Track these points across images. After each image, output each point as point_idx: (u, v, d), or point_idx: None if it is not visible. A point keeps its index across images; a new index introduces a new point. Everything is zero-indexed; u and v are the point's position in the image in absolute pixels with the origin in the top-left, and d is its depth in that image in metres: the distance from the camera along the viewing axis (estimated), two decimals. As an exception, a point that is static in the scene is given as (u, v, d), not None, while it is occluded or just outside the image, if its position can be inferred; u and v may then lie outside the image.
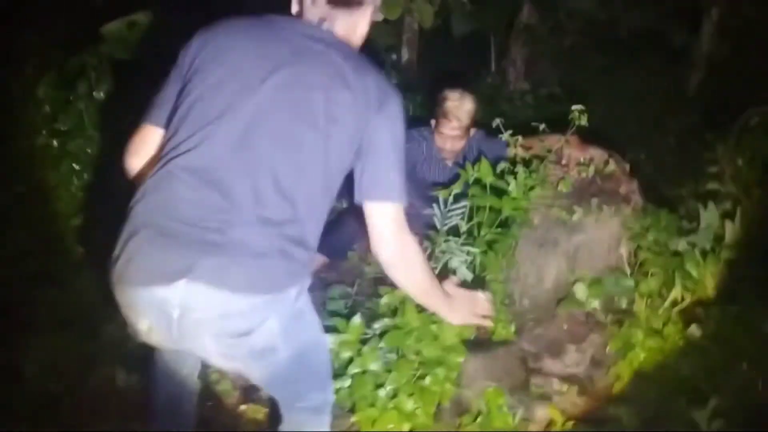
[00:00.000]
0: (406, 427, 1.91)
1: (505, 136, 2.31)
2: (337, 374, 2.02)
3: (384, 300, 2.18)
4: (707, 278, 2.14)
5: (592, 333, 2.16)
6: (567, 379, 2.08)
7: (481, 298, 1.82)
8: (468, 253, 2.22)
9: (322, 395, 1.62)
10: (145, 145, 1.48)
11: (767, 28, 5.19)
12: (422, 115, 4.47)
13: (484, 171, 2.26)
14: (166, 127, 1.44)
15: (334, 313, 2.20)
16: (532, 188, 2.23)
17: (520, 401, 2.01)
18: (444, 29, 5.06)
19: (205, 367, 1.83)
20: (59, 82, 3.07)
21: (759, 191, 3.03)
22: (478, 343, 2.14)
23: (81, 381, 2.15)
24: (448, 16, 4.95)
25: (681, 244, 2.22)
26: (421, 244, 1.98)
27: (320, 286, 2.80)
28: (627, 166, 2.43)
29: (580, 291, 2.14)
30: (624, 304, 2.20)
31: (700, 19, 5.26)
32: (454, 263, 2.10)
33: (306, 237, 1.36)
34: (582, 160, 2.35)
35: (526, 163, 2.29)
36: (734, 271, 2.28)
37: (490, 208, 2.25)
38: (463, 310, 1.72)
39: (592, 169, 2.29)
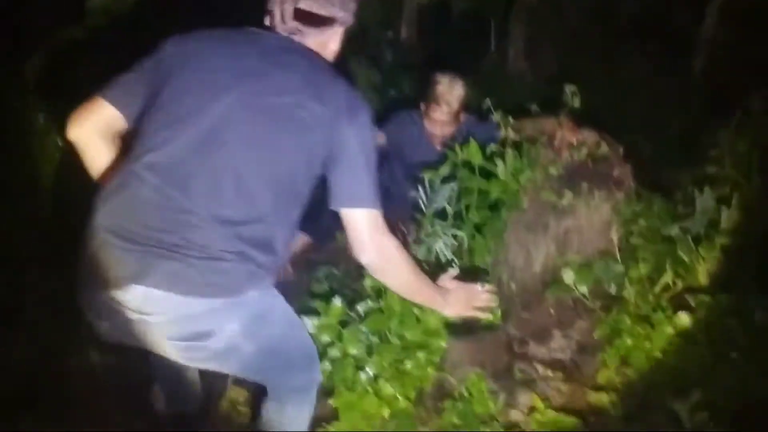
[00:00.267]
0: (386, 411, 1.88)
1: (496, 116, 2.24)
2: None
3: (367, 282, 2.14)
4: (699, 265, 2.09)
5: (579, 319, 2.12)
6: (552, 364, 2.04)
7: (480, 290, 1.83)
8: (455, 237, 2.18)
9: (304, 376, 1.63)
10: (90, 116, 1.45)
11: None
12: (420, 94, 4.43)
13: (472, 153, 2.20)
14: (123, 113, 1.44)
15: (316, 296, 2.16)
16: (521, 171, 2.17)
17: (503, 386, 1.98)
18: (444, 7, 4.97)
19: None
20: (45, 56, 3.01)
21: (759, 177, 2.95)
22: (464, 327, 2.09)
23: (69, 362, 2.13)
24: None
25: (673, 230, 2.16)
26: (400, 230, 1.95)
27: (306, 267, 2.77)
28: (621, 150, 2.37)
29: (569, 276, 2.09)
30: (613, 290, 2.15)
31: (704, 2, 5.14)
32: (439, 246, 2.05)
33: (271, 240, 1.37)
34: (574, 142, 2.28)
35: (517, 145, 2.23)
36: (728, 258, 2.22)
37: (479, 191, 2.20)
38: (458, 303, 1.76)
39: (583, 152, 2.22)
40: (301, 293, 2.45)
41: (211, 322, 1.34)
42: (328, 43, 1.50)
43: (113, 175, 1.39)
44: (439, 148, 2.85)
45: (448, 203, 2.21)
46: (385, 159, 2.93)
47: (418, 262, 2.11)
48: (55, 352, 2.11)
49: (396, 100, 4.29)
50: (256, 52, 1.40)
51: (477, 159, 2.19)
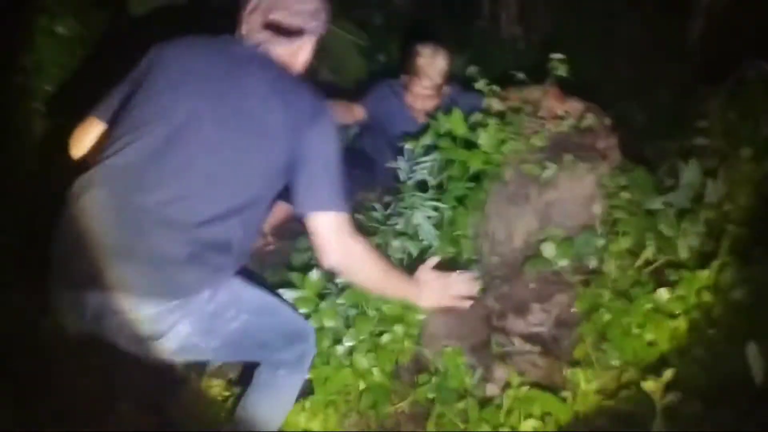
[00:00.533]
0: (361, 385, 1.88)
1: (480, 85, 2.18)
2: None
3: (346, 254, 2.11)
4: (681, 240, 2.06)
5: (559, 293, 2.10)
6: (530, 338, 2.03)
7: (459, 279, 1.83)
8: (436, 209, 2.15)
9: (288, 352, 1.65)
10: (85, 137, 1.55)
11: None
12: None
13: (455, 122, 2.15)
14: (109, 125, 1.51)
15: (294, 268, 2.14)
16: (504, 142, 2.13)
17: (480, 360, 1.97)
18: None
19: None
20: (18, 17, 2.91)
21: (748, 149, 2.91)
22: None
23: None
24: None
25: (656, 204, 2.13)
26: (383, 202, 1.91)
27: (288, 236, 2.73)
28: (608, 121, 2.32)
29: (548, 249, 2.07)
30: (594, 264, 2.13)
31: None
32: (418, 219, 2.02)
33: (229, 241, 1.40)
34: (560, 113, 2.23)
35: (501, 115, 2.18)
36: (712, 232, 2.20)
37: (461, 162, 2.16)
38: (434, 294, 1.78)
39: (568, 122, 2.17)
40: (281, 263, 2.44)
41: (161, 324, 1.36)
42: (298, 52, 1.53)
43: (82, 176, 1.41)
44: (420, 121, 2.77)
45: (430, 174, 2.17)
46: (367, 131, 2.88)
47: (398, 236, 2.10)
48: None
49: (384, 64, 4.21)
50: (223, 60, 1.43)
51: (460, 129, 2.15)
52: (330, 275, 2.23)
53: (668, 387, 1.49)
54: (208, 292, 1.39)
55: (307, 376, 1.76)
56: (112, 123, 1.48)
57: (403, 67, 2.78)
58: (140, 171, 1.35)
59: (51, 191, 1.49)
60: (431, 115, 2.27)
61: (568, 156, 2.09)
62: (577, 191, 2.14)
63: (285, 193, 2.72)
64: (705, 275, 1.90)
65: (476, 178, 2.19)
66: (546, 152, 2.17)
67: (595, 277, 2.06)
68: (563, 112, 2.23)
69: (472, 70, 2.23)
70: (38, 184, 2.62)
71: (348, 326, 1.94)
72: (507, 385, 1.84)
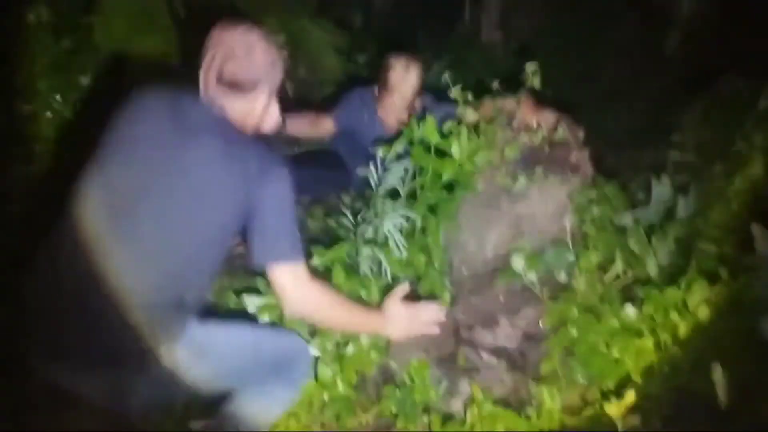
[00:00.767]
0: (326, 396, 1.84)
1: (455, 92, 2.15)
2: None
3: (314, 261, 2.07)
4: (650, 257, 2.06)
5: (527, 306, 2.09)
6: (497, 352, 2.01)
7: (428, 307, 1.81)
8: (408, 218, 2.11)
9: (275, 380, 1.64)
10: None
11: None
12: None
13: (428, 130, 2.12)
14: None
15: (258, 273, 2.08)
16: (476, 152, 2.10)
17: (446, 373, 1.95)
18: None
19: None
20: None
21: (721, 165, 2.92)
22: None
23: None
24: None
25: (626, 219, 2.12)
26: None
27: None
28: (581, 133, 2.31)
29: (518, 262, 2.05)
30: (563, 279, 2.12)
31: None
32: (387, 227, 1.99)
33: (181, 299, 1.45)
34: (533, 124, 2.21)
35: (474, 124, 2.16)
36: (681, 249, 2.20)
37: (433, 170, 2.13)
38: (402, 324, 1.75)
39: (540, 135, 2.16)
40: (249, 268, 2.38)
41: (123, 383, 1.44)
42: (255, 105, 1.53)
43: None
44: (391, 134, 2.69)
45: (401, 182, 2.14)
46: (341, 137, 2.82)
47: (367, 243, 2.06)
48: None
49: (364, 65, 4.17)
50: (176, 122, 1.44)
51: (433, 137, 2.12)
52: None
53: (631, 408, 1.48)
54: (165, 348, 1.43)
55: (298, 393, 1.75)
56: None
57: (376, 78, 2.71)
58: (99, 235, 1.39)
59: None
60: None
61: (539, 168, 2.07)
62: (549, 204, 2.12)
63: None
64: (673, 294, 1.90)
65: (448, 187, 2.17)
66: (518, 164, 2.15)
67: (564, 292, 2.05)
68: (537, 123, 2.22)
69: (446, 77, 2.19)
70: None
71: (312, 335, 1.90)
72: (471, 400, 1.81)
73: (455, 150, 2.08)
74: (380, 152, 2.15)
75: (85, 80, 2.95)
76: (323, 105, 3.62)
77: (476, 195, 2.15)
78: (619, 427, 1.44)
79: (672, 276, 2.06)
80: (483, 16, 4.96)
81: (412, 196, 2.18)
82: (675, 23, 5.09)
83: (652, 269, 2.07)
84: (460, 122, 2.13)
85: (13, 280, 1.51)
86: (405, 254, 2.07)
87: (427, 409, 1.81)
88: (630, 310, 1.91)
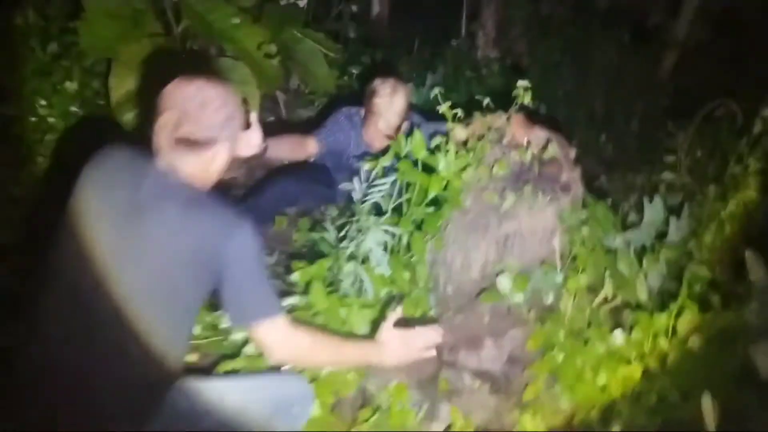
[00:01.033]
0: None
1: (444, 108, 2.09)
2: (230, 355, 1.87)
3: (294, 277, 2.01)
4: (639, 280, 2.00)
5: (513, 328, 2.03)
6: (480, 374, 1.95)
7: (423, 331, 1.74)
8: (393, 235, 2.06)
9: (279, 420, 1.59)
10: None
11: (747, 18, 5.05)
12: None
13: (416, 145, 2.07)
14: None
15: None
16: (464, 168, 2.05)
17: (426, 396, 1.88)
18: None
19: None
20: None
21: (715, 188, 2.88)
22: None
23: None
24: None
25: (616, 241, 2.07)
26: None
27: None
28: (573, 152, 2.26)
29: (504, 283, 1.99)
30: (550, 300, 2.06)
31: (680, 0, 5.07)
32: (369, 244, 1.93)
33: (162, 366, 1.41)
34: (523, 142, 2.16)
35: (463, 141, 2.11)
36: (672, 272, 2.14)
37: (420, 186, 2.08)
38: (397, 351, 1.69)
39: (530, 153, 2.11)
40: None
41: None
42: (212, 162, 1.47)
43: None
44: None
45: (388, 197, 2.08)
46: (328, 157, 2.75)
47: (349, 260, 2.00)
48: None
49: (357, 77, 4.14)
50: (133, 190, 1.40)
51: (420, 152, 2.07)
52: (280, 296, 2.13)
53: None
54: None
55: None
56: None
57: (362, 101, 2.65)
58: (78, 299, 1.37)
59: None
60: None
61: (528, 187, 2.02)
62: (537, 224, 2.07)
63: (242, 207, 2.65)
64: (662, 320, 1.84)
65: (435, 203, 2.11)
66: (508, 181, 2.10)
67: (551, 314, 1.99)
68: (527, 140, 2.17)
69: (436, 91, 2.14)
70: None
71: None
72: (451, 426, 1.75)
73: (442, 166, 2.03)
74: (366, 166, 2.10)
75: (71, 86, 2.91)
76: (313, 119, 3.61)
77: (464, 212, 2.10)
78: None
79: (662, 301, 2.01)
80: (480, 32, 4.94)
81: (398, 211, 2.12)
82: (670, 46, 5.10)
83: (641, 293, 2.01)
84: (448, 138, 2.07)
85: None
86: (388, 271, 2.01)
87: (403, 436, 1.75)
88: (618, 336, 1.85)
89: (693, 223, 2.43)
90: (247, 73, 2.80)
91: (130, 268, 1.36)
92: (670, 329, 1.84)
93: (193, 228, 1.37)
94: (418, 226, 2.13)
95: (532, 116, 2.29)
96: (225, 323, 1.95)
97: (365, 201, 2.01)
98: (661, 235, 2.29)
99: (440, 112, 2.08)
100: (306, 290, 2.00)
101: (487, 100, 2.15)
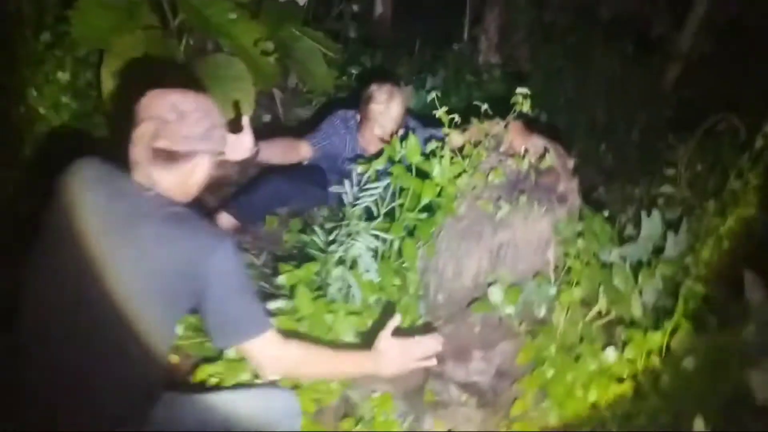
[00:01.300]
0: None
1: (440, 113, 2.04)
2: (212, 358, 1.81)
3: (280, 280, 1.96)
4: (635, 296, 1.96)
5: (503, 340, 1.98)
6: (467, 387, 1.90)
7: (423, 341, 1.65)
8: (385, 240, 2.01)
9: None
10: None
11: (752, 31, 5.00)
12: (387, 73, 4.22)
13: (410, 149, 2.02)
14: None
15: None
16: (459, 175, 2.00)
17: (412, 407, 1.84)
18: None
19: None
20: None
21: (714, 202, 2.83)
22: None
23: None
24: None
25: (612, 256, 2.02)
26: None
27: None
28: (571, 162, 2.21)
29: (495, 294, 1.94)
30: (543, 313, 2.01)
31: (686, 11, 5.02)
32: (358, 250, 1.88)
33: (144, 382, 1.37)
34: (521, 150, 2.11)
35: (459, 147, 2.06)
36: (668, 289, 2.09)
37: (414, 191, 2.03)
38: (395, 361, 1.60)
39: (526, 161, 2.06)
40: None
41: None
42: (191, 175, 1.42)
43: None
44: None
45: (380, 201, 2.03)
46: (322, 159, 2.70)
47: (338, 264, 1.95)
48: None
49: (357, 77, 4.09)
50: (110, 207, 1.34)
51: (414, 157, 2.02)
52: (263, 299, 2.08)
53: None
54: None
55: None
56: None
57: (358, 106, 2.59)
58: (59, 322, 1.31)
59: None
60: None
61: (523, 197, 1.97)
62: (532, 234, 2.02)
63: (232, 205, 2.60)
64: (656, 338, 1.80)
65: (429, 209, 2.06)
66: (503, 190, 2.05)
67: (543, 328, 1.94)
68: (525, 149, 2.12)
69: (433, 95, 2.09)
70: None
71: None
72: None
73: (437, 171, 1.98)
74: (359, 168, 2.05)
75: (63, 76, 2.85)
76: (310, 119, 3.56)
77: (457, 219, 2.05)
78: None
79: (657, 318, 1.97)
80: (482, 36, 4.89)
81: (391, 216, 2.07)
82: (674, 57, 5.06)
83: (636, 309, 1.96)
84: (443, 144, 2.02)
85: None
86: (377, 278, 1.96)
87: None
88: (610, 353, 1.81)
89: (691, 238, 2.38)
90: (243, 69, 2.74)
91: (105, 289, 1.29)
92: (664, 348, 1.79)
93: (170, 246, 1.31)
94: (410, 232, 2.08)
95: (531, 124, 2.24)
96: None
97: (356, 205, 1.96)
98: (658, 250, 2.25)
99: (437, 116, 2.03)
100: (292, 294, 1.95)
101: (485, 106, 2.09)
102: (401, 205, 2.06)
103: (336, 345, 1.81)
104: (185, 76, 2.51)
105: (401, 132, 2.23)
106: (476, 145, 2.08)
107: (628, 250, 2.07)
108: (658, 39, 5.11)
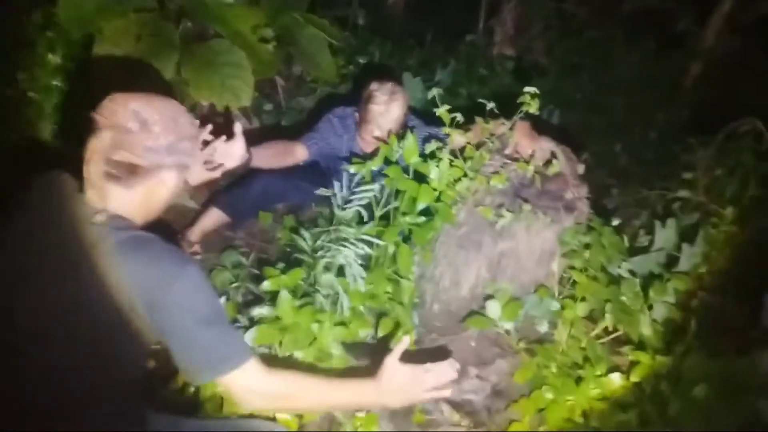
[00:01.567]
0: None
1: (441, 111, 1.90)
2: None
3: (264, 285, 1.84)
4: (644, 314, 1.82)
5: (500, 357, 1.85)
6: (460, 407, 1.78)
7: (437, 368, 1.44)
8: (376, 245, 1.88)
9: None
10: None
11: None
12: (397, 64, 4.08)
13: (408, 149, 1.89)
14: None
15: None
16: (458, 179, 1.87)
17: (399, 428, 1.72)
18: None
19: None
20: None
21: (733, 209, 2.67)
22: (368, 349, 1.82)
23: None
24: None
25: (621, 270, 1.88)
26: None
27: (217, 246, 2.46)
28: (581, 168, 2.06)
29: (493, 308, 1.82)
30: (544, 329, 1.88)
31: (709, 8, 4.82)
32: (346, 257, 1.75)
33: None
34: (529, 153, 1.97)
35: (460, 148, 1.92)
36: (681, 307, 1.95)
37: (410, 195, 1.89)
38: (403, 392, 1.41)
39: (532, 166, 1.92)
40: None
41: None
42: (154, 192, 1.27)
43: None
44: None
45: (375, 204, 1.91)
46: (320, 159, 2.57)
47: (326, 270, 1.83)
48: None
49: (364, 66, 3.95)
50: (63, 230, 1.20)
51: (411, 157, 1.89)
52: (247, 304, 1.98)
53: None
54: None
55: None
56: None
57: (357, 106, 2.45)
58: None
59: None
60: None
61: (528, 204, 1.83)
62: (535, 244, 1.88)
63: (223, 201, 2.49)
64: (666, 362, 1.66)
65: (426, 214, 1.93)
66: (506, 196, 1.91)
67: (544, 345, 1.81)
68: (531, 152, 1.98)
69: (435, 92, 1.94)
70: None
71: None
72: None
73: (434, 174, 1.85)
74: (352, 169, 1.92)
75: (53, 59, 2.74)
76: (313, 110, 3.43)
77: (456, 226, 1.92)
78: None
79: (667, 338, 1.83)
80: (498, 28, 4.73)
81: (386, 220, 1.95)
82: (697, 55, 4.87)
83: (645, 328, 1.83)
84: (443, 145, 1.88)
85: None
86: (364, 286, 1.84)
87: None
88: (615, 377, 1.67)
89: (706, 247, 2.23)
90: (243, 57, 2.61)
91: (56, 322, 1.16)
92: (675, 373, 1.66)
93: (126, 276, 1.16)
94: (405, 238, 1.95)
95: (539, 125, 2.10)
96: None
97: (346, 208, 1.84)
98: (671, 263, 2.11)
99: (437, 114, 1.89)
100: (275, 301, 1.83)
101: (491, 105, 1.94)
102: (396, 209, 1.93)
103: (330, 372, 1.68)
104: (155, 77, 2.36)
105: (401, 132, 2.10)
106: (479, 146, 1.94)
107: (639, 263, 1.93)
108: (682, 35, 4.91)
